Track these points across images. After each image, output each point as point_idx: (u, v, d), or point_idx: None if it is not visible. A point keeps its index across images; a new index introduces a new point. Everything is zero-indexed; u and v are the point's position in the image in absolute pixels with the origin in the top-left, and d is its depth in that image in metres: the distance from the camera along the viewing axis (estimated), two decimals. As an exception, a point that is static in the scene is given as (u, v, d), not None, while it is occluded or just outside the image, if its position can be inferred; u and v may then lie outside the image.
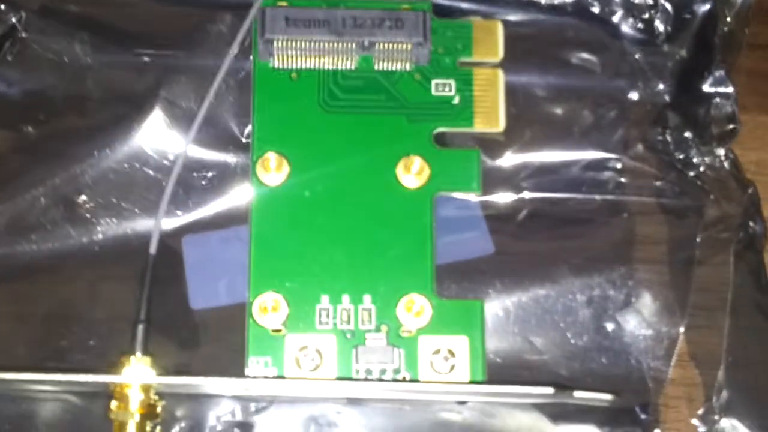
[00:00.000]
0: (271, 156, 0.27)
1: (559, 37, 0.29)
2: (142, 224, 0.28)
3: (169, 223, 0.28)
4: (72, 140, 0.28)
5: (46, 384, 0.25)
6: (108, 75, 0.29)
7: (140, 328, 0.25)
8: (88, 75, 0.29)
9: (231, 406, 0.27)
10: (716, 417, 0.26)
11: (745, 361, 0.27)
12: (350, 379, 0.26)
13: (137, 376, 0.24)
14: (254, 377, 0.26)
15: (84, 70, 0.29)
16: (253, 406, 0.27)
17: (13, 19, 0.29)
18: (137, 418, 0.24)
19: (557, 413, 0.27)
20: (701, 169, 0.29)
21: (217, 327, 0.27)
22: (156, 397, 0.25)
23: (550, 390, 0.24)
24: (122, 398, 0.24)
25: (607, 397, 0.24)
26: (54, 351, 0.27)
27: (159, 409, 0.25)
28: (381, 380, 0.26)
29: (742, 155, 0.29)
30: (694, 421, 0.27)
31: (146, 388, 0.24)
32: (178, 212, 0.28)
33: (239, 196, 0.28)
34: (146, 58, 0.29)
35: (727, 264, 0.28)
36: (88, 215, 0.28)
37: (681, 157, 0.29)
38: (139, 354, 0.25)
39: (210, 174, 0.28)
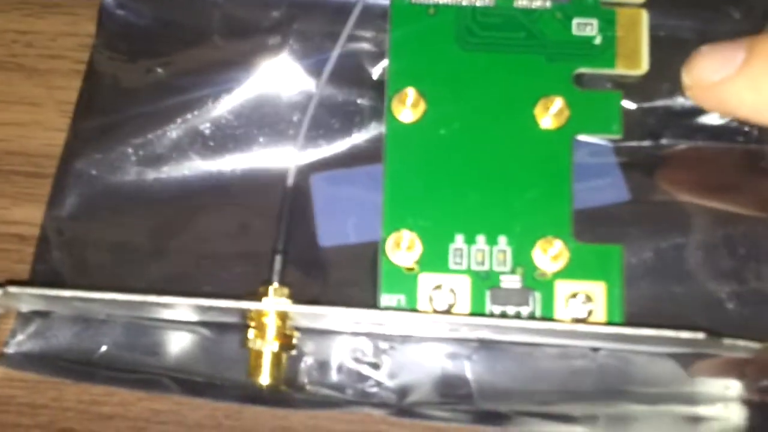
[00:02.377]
0: (409, 92, 0.26)
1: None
2: (271, 158, 0.27)
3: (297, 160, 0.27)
4: (202, 74, 0.28)
5: (184, 310, 0.25)
6: (238, 9, 0.28)
7: (278, 258, 0.25)
8: (215, 9, 0.28)
9: (360, 344, 0.26)
10: None
11: None
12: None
13: (275, 304, 0.24)
14: (390, 310, 0.25)
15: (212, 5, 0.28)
16: (381, 345, 0.26)
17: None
18: (275, 347, 0.24)
19: (692, 364, 0.26)
20: None
21: (347, 265, 0.27)
22: (292, 329, 0.24)
23: (700, 335, 0.23)
24: (260, 327, 0.24)
25: (756, 345, 0.23)
26: (181, 281, 0.27)
27: (295, 341, 0.24)
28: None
29: None
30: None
31: (283, 317, 0.24)
32: (307, 149, 0.27)
33: (368, 134, 0.28)
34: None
35: None
36: (217, 149, 0.28)
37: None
38: (276, 284, 0.25)
39: (339, 111, 0.28)
